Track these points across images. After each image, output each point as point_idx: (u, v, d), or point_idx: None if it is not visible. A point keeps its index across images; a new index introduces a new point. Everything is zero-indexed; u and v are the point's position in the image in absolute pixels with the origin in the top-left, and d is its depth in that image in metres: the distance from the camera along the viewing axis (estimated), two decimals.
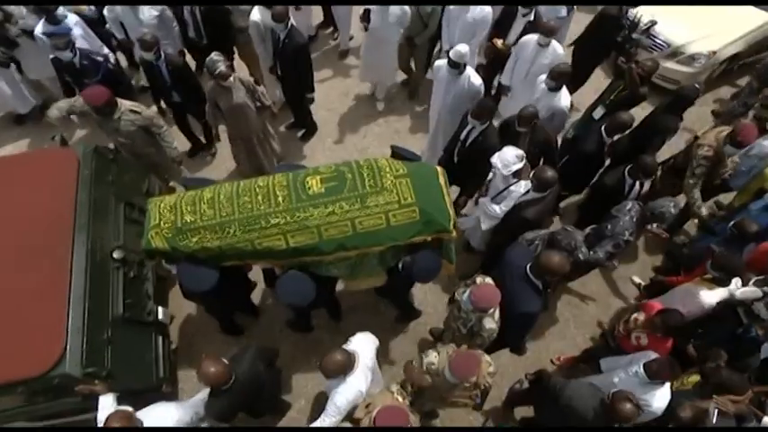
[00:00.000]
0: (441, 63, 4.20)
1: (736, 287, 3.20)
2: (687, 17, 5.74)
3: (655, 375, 2.68)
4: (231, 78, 3.85)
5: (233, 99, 3.96)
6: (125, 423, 2.32)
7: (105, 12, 4.69)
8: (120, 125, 3.73)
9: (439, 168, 3.18)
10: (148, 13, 4.57)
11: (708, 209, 3.97)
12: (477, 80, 4.11)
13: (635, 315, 3.19)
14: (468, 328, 2.86)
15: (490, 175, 3.65)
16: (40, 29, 4.41)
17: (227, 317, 3.92)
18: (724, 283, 3.25)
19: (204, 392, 2.70)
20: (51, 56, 4.21)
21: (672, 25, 5.66)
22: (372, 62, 5.26)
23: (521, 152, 3.35)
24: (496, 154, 3.38)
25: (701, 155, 3.73)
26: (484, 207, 3.68)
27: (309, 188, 2.93)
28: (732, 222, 3.54)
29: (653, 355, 2.82)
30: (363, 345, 2.82)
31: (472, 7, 4.50)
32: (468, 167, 3.91)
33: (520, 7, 4.59)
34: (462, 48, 3.88)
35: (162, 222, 2.94)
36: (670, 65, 5.61)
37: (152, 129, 3.94)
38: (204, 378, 2.48)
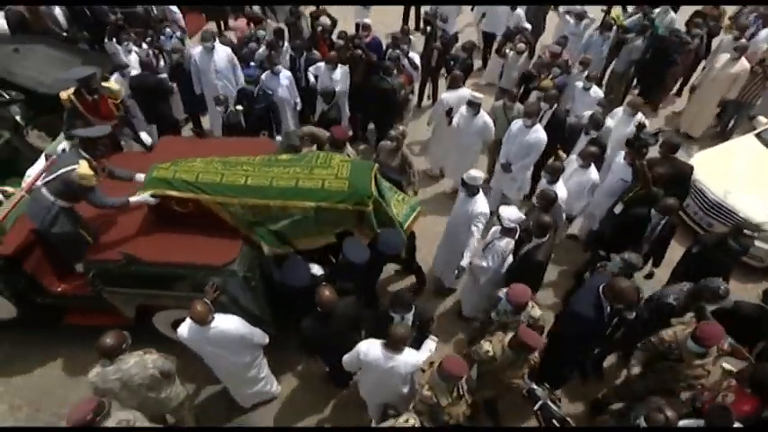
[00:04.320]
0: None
1: None
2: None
3: None
4: (397, 147, 5.19)
5: (391, 162, 5.22)
6: (205, 309, 3.25)
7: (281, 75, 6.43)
8: None
9: (376, 165, 4.20)
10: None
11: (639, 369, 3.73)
12: (484, 208, 4.37)
13: (727, 381, 3.51)
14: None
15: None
16: (264, 77, 6.30)
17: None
18: None
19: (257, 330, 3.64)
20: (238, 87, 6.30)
21: (750, 200, 5.55)
22: (455, 163, 6.00)
23: (521, 217, 4.13)
24: (503, 208, 4.15)
25: (663, 337, 3.53)
26: (476, 266, 4.28)
27: (279, 158, 4.17)
28: None
29: None
30: None
31: (531, 131, 5.15)
32: None
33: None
34: (476, 173, 4.33)
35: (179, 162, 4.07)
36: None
37: None
38: (321, 298, 3.37)
